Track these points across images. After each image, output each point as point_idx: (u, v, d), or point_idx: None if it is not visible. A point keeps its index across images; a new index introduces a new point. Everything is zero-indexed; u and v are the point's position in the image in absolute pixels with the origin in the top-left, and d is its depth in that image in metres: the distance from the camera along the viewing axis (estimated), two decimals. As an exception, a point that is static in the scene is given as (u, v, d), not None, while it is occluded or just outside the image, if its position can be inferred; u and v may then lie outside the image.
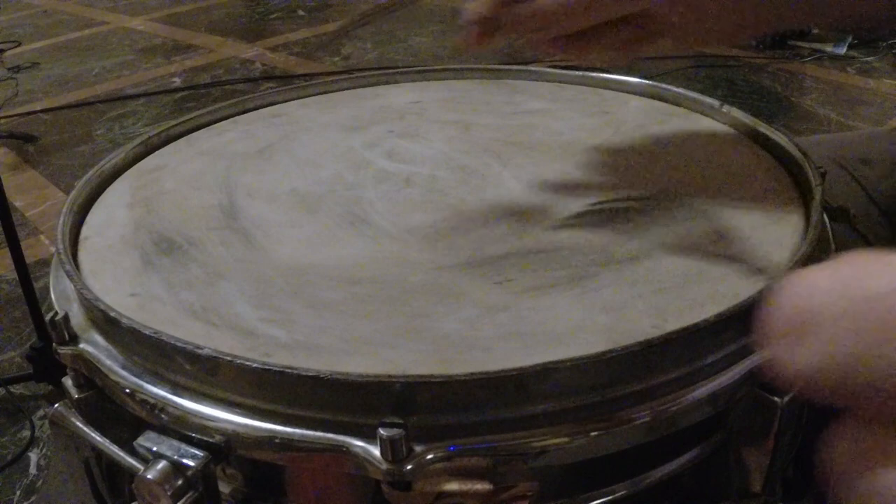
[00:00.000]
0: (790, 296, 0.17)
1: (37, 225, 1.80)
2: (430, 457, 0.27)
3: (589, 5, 0.38)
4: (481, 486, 0.28)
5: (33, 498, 1.08)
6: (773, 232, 0.36)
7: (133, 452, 0.31)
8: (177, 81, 2.67)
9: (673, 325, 0.29)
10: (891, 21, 0.40)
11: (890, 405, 0.15)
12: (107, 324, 0.33)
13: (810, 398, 0.16)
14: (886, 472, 0.15)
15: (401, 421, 0.27)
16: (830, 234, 0.37)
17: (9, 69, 2.90)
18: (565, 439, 0.28)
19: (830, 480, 0.17)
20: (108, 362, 0.32)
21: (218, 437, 0.29)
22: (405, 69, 0.60)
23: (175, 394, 0.31)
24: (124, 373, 0.32)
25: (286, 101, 0.56)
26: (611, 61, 0.45)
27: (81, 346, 0.33)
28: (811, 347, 0.16)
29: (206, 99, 2.49)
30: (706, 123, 0.49)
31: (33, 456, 1.15)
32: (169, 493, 0.28)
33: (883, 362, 0.15)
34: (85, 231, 0.41)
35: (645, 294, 0.33)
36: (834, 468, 0.16)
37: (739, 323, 0.30)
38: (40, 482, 1.10)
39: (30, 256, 1.27)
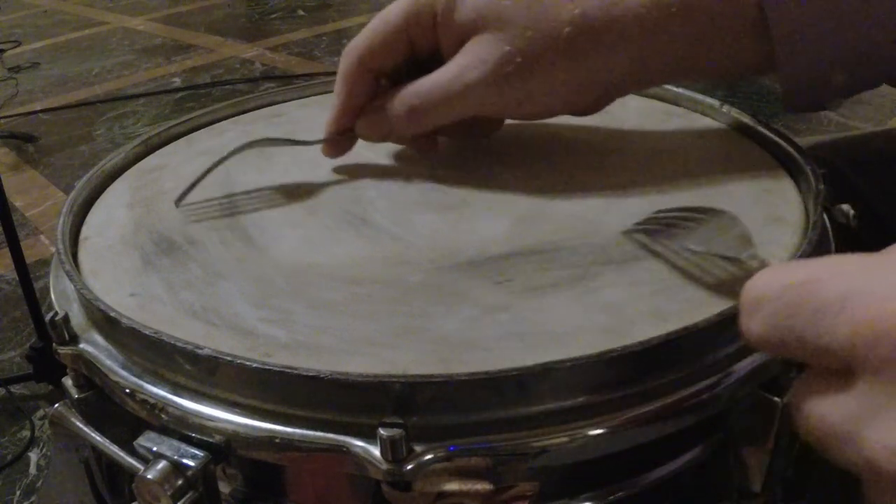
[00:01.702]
0: (748, 284, 0.25)
1: (37, 225, 1.80)
2: (430, 457, 0.27)
3: (427, 113, 0.41)
4: (481, 486, 0.28)
5: (33, 498, 1.08)
6: (773, 232, 0.36)
7: (133, 452, 0.31)
8: (177, 81, 2.67)
9: (673, 325, 0.29)
10: (754, 71, 0.41)
11: (819, 359, 0.23)
12: (107, 324, 0.33)
13: (769, 354, 0.25)
14: (882, 421, 0.20)
15: (401, 421, 0.27)
16: (830, 234, 0.37)
17: (9, 69, 2.90)
18: (565, 439, 0.28)
19: (833, 441, 0.22)
20: (108, 362, 0.32)
21: (218, 437, 0.29)
22: (405, 69, 0.60)
23: (175, 394, 0.31)
24: (124, 373, 0.32)
25: (286, 101, 0.56)
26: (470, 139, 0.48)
27: (81, 346, 0.33)
28: (757, 320, 0.24)
29: (206, 99, 2.49)
30: (706, 123, 0.49)
31: (33, 456, 1.16)
32: (169, 494, 0.28)
33: (800, 325, 0.22)
34: (85, 231, 0.41)
35: (645, 294, 0.33)
36: (830, 429, 0.22)
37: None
38: (40, 482, 1.10)
39: (30, 256, 1.28)
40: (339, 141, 0.45)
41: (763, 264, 0.31)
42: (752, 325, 0.24)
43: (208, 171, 0.43)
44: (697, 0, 0.38)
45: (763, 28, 0.37)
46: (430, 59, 0.42)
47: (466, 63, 0.40)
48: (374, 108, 0.43)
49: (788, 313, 0.23)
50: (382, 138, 0.45)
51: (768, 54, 0.38)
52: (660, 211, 0.37)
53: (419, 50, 0.43)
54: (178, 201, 0.42)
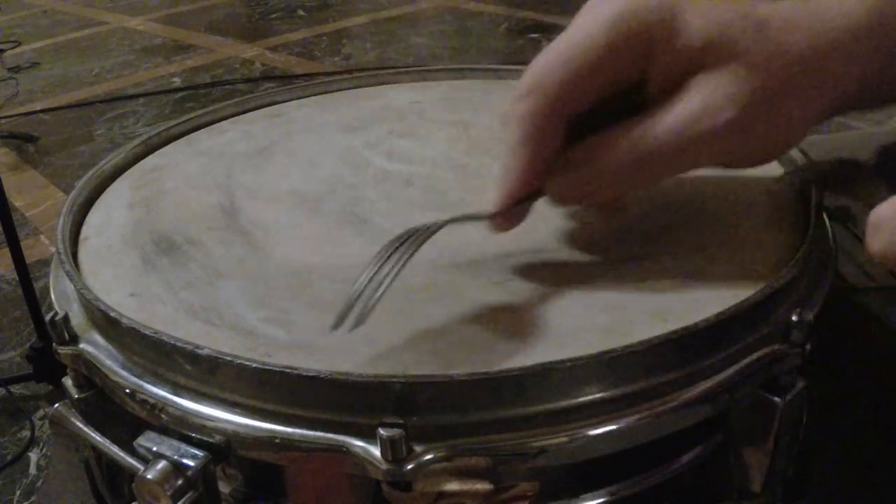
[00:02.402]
0: (872, 211, 0.28)
1: (37, 225, 1.80)
2: (430, 457, 0.27)
3: (659, 165, 0.34)
4: (481, 486, 0.28)
5: (33, 498, 1.08)
6: (774, 232, 0.36)
7: (133, 452, 0.31)
8: (177, 81, 2.67)
9: (673, 325, 0.29)
10: None
11: None
12: (107, 324, 0.33)
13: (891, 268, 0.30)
14: None
15: (401, 421, 0.27)
16: (831, 234, 0.37)
17: (9, 69, 2.90)
18: (565, 439, 0.28)
19: None
20: (108, 362, 0.32)
21: (218, 437, 0.29)
22: (405, 69, 0.60)
23: (175, 394, 0.31)
24: (124, 373, 0.32)
25: (286, 101, 0.56)
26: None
27: (81, 346, 0.33)
28: (879, 239, 0.27)
29: (206, 99, 2.49)
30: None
31: (33, 456, 1.16)
32: (169, 494, 0.28)
33: None
34: (85, 231, 0.41)
35: (645, 294, 0.33)
36: None
37: (739, 323, 0.30)
38: (40, 482, 1.10)
39: (30, 256, 1.27)
40: (519, 210, 0.36)
41: None
42: (875, 243, 0.28)
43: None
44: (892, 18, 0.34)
45: None
46: (621, 96, 0.35)
47: (709, 103, 0.33)
48: (575, 164, 0.34)
49: None
50: (582, 201, 0.37)
51: None
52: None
53: (619, 85, 0.34)
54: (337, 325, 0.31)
